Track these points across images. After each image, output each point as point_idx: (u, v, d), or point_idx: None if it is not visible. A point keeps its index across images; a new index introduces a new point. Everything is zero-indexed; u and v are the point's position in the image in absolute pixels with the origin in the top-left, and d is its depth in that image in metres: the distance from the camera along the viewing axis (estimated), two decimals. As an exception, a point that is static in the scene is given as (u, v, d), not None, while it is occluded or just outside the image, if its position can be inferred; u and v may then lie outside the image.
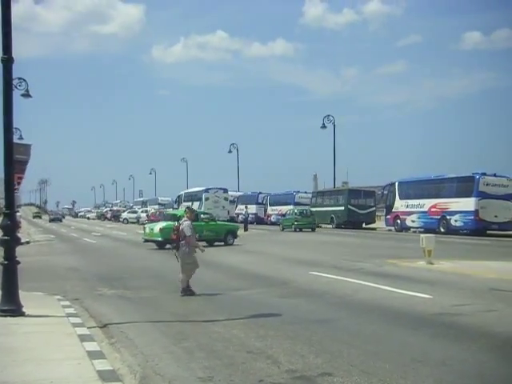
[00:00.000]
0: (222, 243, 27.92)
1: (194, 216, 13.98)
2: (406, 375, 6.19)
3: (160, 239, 25.98)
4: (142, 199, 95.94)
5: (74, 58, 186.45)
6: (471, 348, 7.42)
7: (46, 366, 6.50)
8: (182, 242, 12.63)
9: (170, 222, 24.29)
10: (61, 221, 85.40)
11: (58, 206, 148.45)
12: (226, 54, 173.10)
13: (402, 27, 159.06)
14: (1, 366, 6.43)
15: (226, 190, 55.34)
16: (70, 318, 9.51)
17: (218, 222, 30.75)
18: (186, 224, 12.72)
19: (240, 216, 54.26)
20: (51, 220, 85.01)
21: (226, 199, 53.85)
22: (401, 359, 6.87)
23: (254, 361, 6.94)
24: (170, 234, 13.52)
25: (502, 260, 18.55)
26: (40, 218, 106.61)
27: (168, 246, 25.39)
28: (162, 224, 26.79)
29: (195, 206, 48.41)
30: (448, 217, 34.76)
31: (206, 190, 53.83)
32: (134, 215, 70.43)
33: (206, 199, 52.57)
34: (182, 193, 61.72)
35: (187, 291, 12.60)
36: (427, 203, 36.48)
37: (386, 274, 15.41)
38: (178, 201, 61.22)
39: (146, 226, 30.17)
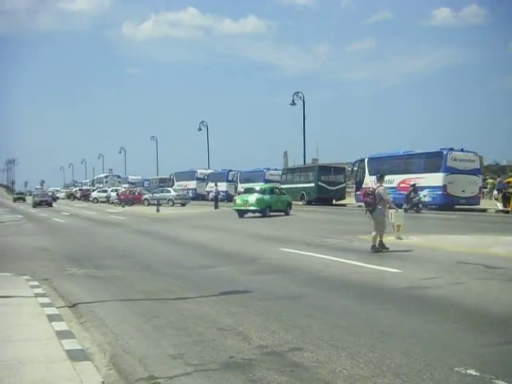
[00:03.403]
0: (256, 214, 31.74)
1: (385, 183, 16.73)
2: (375, 348, 6.26)
3: (255, 208, 31.68)
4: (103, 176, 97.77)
5: (40, 35, 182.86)
6: (439, 320, 7.54)
7: (14, 347, 6.43)
8: (379, 204, 14.94)
9: (261, 194, 32.17)
10: (51, 205, 58.48)
11: (26, 186, 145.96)
12: (197, 31, 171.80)
13: (373, 3, 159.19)
14: (-33, 348, 6.35)
15: (119, 176, 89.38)
16: (38, 298, 9.41)
17: (284, 196, 35.15)
18: (382, 189, 15.10)
19: (210, 194, 54.25)
20: (37, 204, 58.40)
21: (119, 182, 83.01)
22: (370, 333, 6.94)
23: (224, 337, 6.95)
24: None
25: (469, 234, 18.84)
26: (24, 200, 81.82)
27: (250, 214, 31.70)
28: (256, 196, 32.14)
29: (99, 185, 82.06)
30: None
31: (106, 176, 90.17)
32: (104, 194, 69.81)
33: (106, 182, 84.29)
34: (95, 177, 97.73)
35: (381, 247, 14.73)
36: (396, 179, 36.78)
37: (355, 249, 15.53)
38: (93, 182, 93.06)
39: (236, 197, 36.17)
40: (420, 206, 32.31)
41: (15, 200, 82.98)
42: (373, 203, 14.97)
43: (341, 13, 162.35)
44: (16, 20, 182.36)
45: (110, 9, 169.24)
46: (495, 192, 34.56)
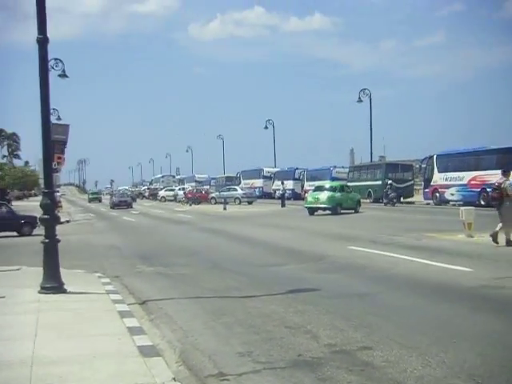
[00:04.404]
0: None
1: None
2: (447, 349, 6.11)
3: (326, 205, 31.94)
4: (179, 177, 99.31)
5: (110, 37, 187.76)
6: (513, 321, 7.31)
7: (87, 342, 6.60)
8: (506, 198, 14.67)
9: (331, 192, 32.35)
10: (130, 206, 53.49)
11: (96, 185, 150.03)
12: (263, 30, 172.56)
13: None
14: (44, 342, 6.57)
15: (174, 176, 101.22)
16: (110, 295, 9.66)
17: (353, 194, 35.39)
18: (508, 183, 14.85)
19: (277, 192, 54.31)
20: (115, 205, 53.52)
21: (174, 181, 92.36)
22: (440, 333, 6.79)
23: (292, 336, 6.94)
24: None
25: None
26: (99, 201, 76.95)
27: (320, 211, 31.79)
28: (327, 193, 32.44)
29: (156, 185, 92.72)
30: (488, 189, 34.08)
31: (163, 176, 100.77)
32: (172, 193, 71.04)
33: (163, 181, 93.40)
34: (153, 177, 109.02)
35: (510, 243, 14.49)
36: (466, 176, 35.83)
37: (424, 247, 15.24)
38: (151, 182, 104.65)
39: (307, 195, 36.21)
40: (394, 200, 38.08)
41: (90, 200, 77.13)
42: (498, 198, 14.81)
43: (409, 7, 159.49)
44: (89, 23, 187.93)
45: (177, 10, 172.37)
46: None
